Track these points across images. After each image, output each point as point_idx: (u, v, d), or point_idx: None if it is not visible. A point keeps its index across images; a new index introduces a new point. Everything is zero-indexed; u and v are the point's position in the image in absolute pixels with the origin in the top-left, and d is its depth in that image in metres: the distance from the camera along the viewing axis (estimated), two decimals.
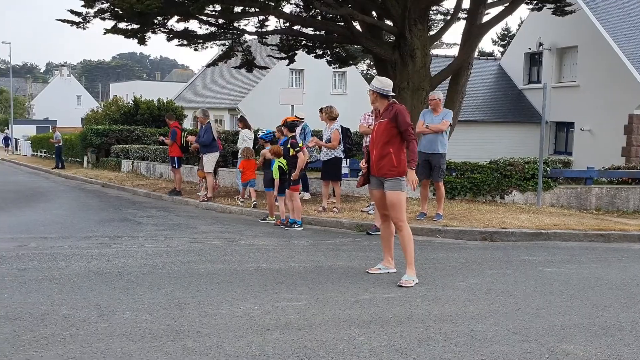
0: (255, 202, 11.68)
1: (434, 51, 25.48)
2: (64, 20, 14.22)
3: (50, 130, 29.97)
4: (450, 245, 8.30)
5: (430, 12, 15.43)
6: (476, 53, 19.37)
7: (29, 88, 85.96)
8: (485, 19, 14.13)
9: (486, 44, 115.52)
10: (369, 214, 10.09)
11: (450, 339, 4.25)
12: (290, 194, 9.39)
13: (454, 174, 12.23)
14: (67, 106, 74.53)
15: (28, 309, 4.71)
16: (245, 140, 12.90)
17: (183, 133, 14.05)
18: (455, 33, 79.76)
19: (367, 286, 5.69)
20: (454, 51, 58.55)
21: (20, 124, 53.36)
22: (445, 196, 10.08)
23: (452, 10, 14.93)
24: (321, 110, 11.46)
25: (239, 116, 14.05)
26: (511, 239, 8.68)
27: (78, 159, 27.19)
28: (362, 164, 6.38)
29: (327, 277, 6.04)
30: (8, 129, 52.66)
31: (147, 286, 5.52)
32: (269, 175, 9.99)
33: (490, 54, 46.28)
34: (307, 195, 12.62)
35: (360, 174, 6.52)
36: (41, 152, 36.26)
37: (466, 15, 14.48)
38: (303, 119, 12.46)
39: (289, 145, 9.51)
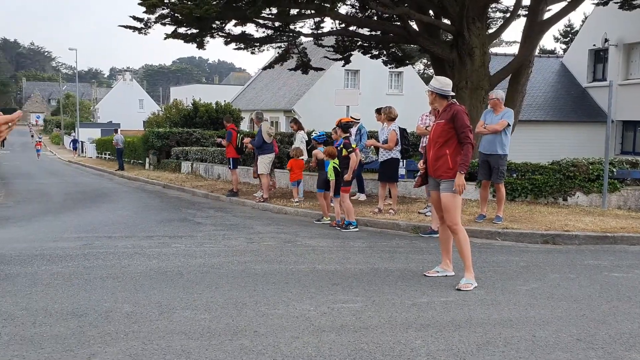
0: (297, 202, 11.82)
1: (493, 49, 24.94)
2: (126, 27, 14.72)
3: (114, 133, 31.05)
4: (511, 248, 8.08)
5: (489, 9, 15.11)
6: (537, 51, 18.80)
7: (93, 92, 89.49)
8: (547, 15, 13.73)
9: (548, 41, 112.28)
10: (426, 215, 9.95)
11: (511, 344, 4.13)
12: (341, 195, 9.40)
13: (515, 175, 11.90)
14: (129, 110, 77.11)
15: (93, 305, 4.87)
16: (303, 142, 13.00)
17: (238, 135, 14.31)
18: (515, 31, 77.86)
19: (425, 289, 5.61)
20: (514, 49, 57.11)
21: (86, 127, 55.59)
22: (505, 198, 9.82)
23: (512, 7, 14.59)
24: (378, 110, 11.38)
25: (291, 118, 14.21)
26: (575, 242, 8.36)
27: (140, 161, 28.07)
28: (420, 164, 6.29)
29: (383, 279, 5.99)
30: (75, 132, 54.85)
31: (206, 285, 5.62)
32: (322, 176, 10.02)
33: (552, 52, 44.94)
34: (362, 197, 12.58)
35: (418, 174, 6.43)
36: (105, 154, 37.65)
37: (527, 12, 14.10)
38: (359, 119, 12.41)
39: (342, 146, 9.52)
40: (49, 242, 8.09)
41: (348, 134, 9.62)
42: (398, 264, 6.80)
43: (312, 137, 11.24)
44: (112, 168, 28.06)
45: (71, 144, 50.43)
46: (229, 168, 14.70)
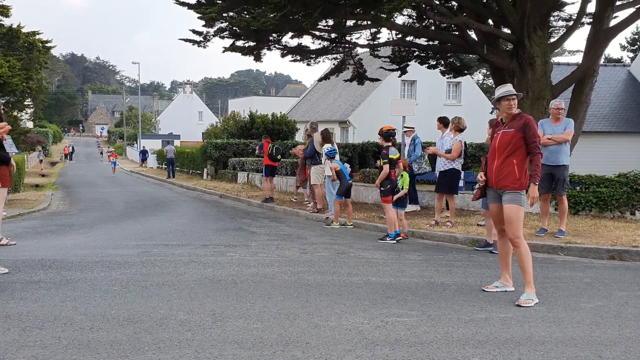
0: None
1: (555, 59, 24.25)
2: (186, 40, 15.08)
3: (175, 144, 31.91)
4: (574, 263, 7.73)
5: (551, 18, 14.68)
6: (602, 59, 18.14)
7: (155, 105, 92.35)
8: (613, 22, 13.20)
9: (614, 49, 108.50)
10: (478, 225, 9.72)
11: None
12: (384, 205, 9.36)
13: (578, 188, 11.45)
14: (189, 121, 79.10)
15: (148, 312, 4.94)
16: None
17: (271, 145, 15.51)
18: (578, 39, 75.61)
19: (483, 304, 5.41)
20: (577, 58, 55.38)
21: (147, 139, 57.41)
22: (568, 211, 9.45)
23: (576, 15, 14.13)
24: (440, 119, 11.16)
25: (309, 123, 14.28)
26: None
27: (198, 171, 28.67)
28: (480, 176, 6.09)
29: (439, 293, 5.82)
30: (137, 143, 56.63)
31: (259, 295, 5.61)
32: (345, 184, 10.93)
33: (619, 60, 43.30)
34: (416, 208, 12.40)
35: (477, 186, 6.24)
36: (164, 164, 38.65)
37: (591, 20, 13.62)
38: (413, 128, 12.29)
39: (380, 156, 9.58)
40: (108, 249, 8.31)
41: (389, 143, 9.46)
42: (455, 278, 6.61)
43: (324, 152, 11.54)
44: (136, 170, 28.66)
45: (140, 155, 48.57)
46: (262, 176, 15.82)
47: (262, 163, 15.91)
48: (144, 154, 47.20)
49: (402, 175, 9.44)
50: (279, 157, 15.46)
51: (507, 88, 5.85)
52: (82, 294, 5.54)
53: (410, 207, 12.18)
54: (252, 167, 21.58)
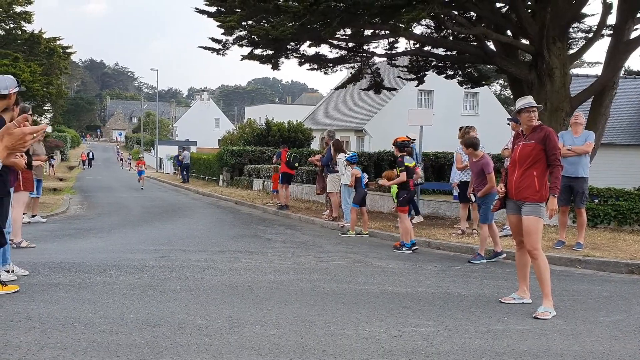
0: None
1: (574, 70, 24.10)
2: (205, 48, 15.23)
3: (192, 150, 32.02)
4: (592, 277, 7.66)
5: (571, 29, 14.61)
6: (622, 72, 17.99)
7: (172, 111, 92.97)
8: (634, 35, 13.10)
9: (634, 61, 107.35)
10: (502, 231, 9.72)
11: None
12: (400, 215, 9.36)
13: (596, 201, 11.35)
14: (206, 128, 79.51)
15: (166, 317, 4.97)
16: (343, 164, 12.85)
17: (289, 153, 15.73)
18: (598, 51, 74.96)
19: (500, 316, 5.38)
20: (596, 70, 54.93)
21: (164, 145, 57.76)
22: (586, 224, 9.36)
23: (596, 26, 14.03)
24: (460, 129, 11.12)
25: (327, 131, 14.48)
26: None
27: (214, 178, 28.82)
28: (500, 187, 6.06)
29: (456, 304, 5.80)
30: (154, 149, 56.97)
31: (275, 301, 5.63)
32: (361, 193, 11.02)
33: (639, 73, 42.83)
34: (419, 219, 12.34)
35: (497, 197, 6.21)
36: (180, 169, 38.86)
37: (611, 32, 13.53)
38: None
39: (396, 164, 9.63)
40: (126, 253, 8.38)
41: (404, 153, 9.53)
42: (472, 289, 6.58)
43: (345, 157, 11.68)
44: (188, 184, 28.98)
45: (176, 161, 37.99)
46: (280, 182, 15.91)
47: (279, 170, 16.08)
48: (179, 160, 36.60)
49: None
50: (296, 165, 15.57)
51: (528, 100, 5.84)
52: (101, 297, 5.59)
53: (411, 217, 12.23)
54: (268, 175, 21.65)
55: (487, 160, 8.33)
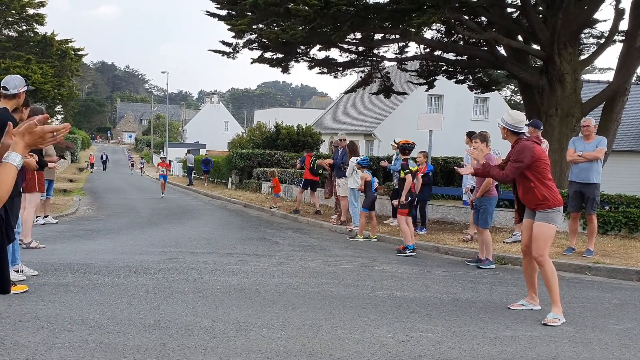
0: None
1: (585, 76, 23.99)
2: (216, 51, 15.29)
3: (200, 153, 32.02)
4: (602, 284, 7.59)
5: (582, 35, 14.55)
6: (634, 78, 17.87)
7: (182, 114, 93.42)
8: None
9: None
10: (505, 242, 9.67)
11: None
12: (399, 217, 9.38)
13: (607, 207, 11.26)
14: (215, 131, 79.79)
15: (174, 318, 4.98)
16: (355, 170, 12.81)
17: (313, 159, 15.25)
18: (609, 57, 74.57)
19: (509, 322, 5.34)
20: (608, 76, 54.58)
21: (174, 147, 57.91)
22: (596, 231, 9.29)
23: (607, 32, 13.97)
24: (470, 134, 11.08)
25: (340, 134, 14.45)
26: None
27: (223, 180, 28.88)
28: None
29: (464, 310, 5.76)
30: (163, 151, 57.14)
31: (283, 305, 5.62)
32: (370, 197, 10.87)
33: None
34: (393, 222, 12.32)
35: (515, 208, 6.19)
36: (187, 172, 38.99)
37: (623, 38, 13.47)
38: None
39: (401, 168, 9.70)
40: (135, 254, 8.40)
41: (407, 156, 9.69)
42: (480, 294, 6.55)
43: (357, 161, 11.57)
44: (196, 186, 29.06)
45: (202, 165, 32.63)
46: (300, 187, 16.01)
47: (303, 176, 15.94)
48: (206, 164, 32.21)
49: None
50: (320, 171, 15.23)
51: (505, 117, 5.90)
52: (109, 298, 5.61)
53: (389, 221, 12.32)
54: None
55: (489, 156, 8.25)
